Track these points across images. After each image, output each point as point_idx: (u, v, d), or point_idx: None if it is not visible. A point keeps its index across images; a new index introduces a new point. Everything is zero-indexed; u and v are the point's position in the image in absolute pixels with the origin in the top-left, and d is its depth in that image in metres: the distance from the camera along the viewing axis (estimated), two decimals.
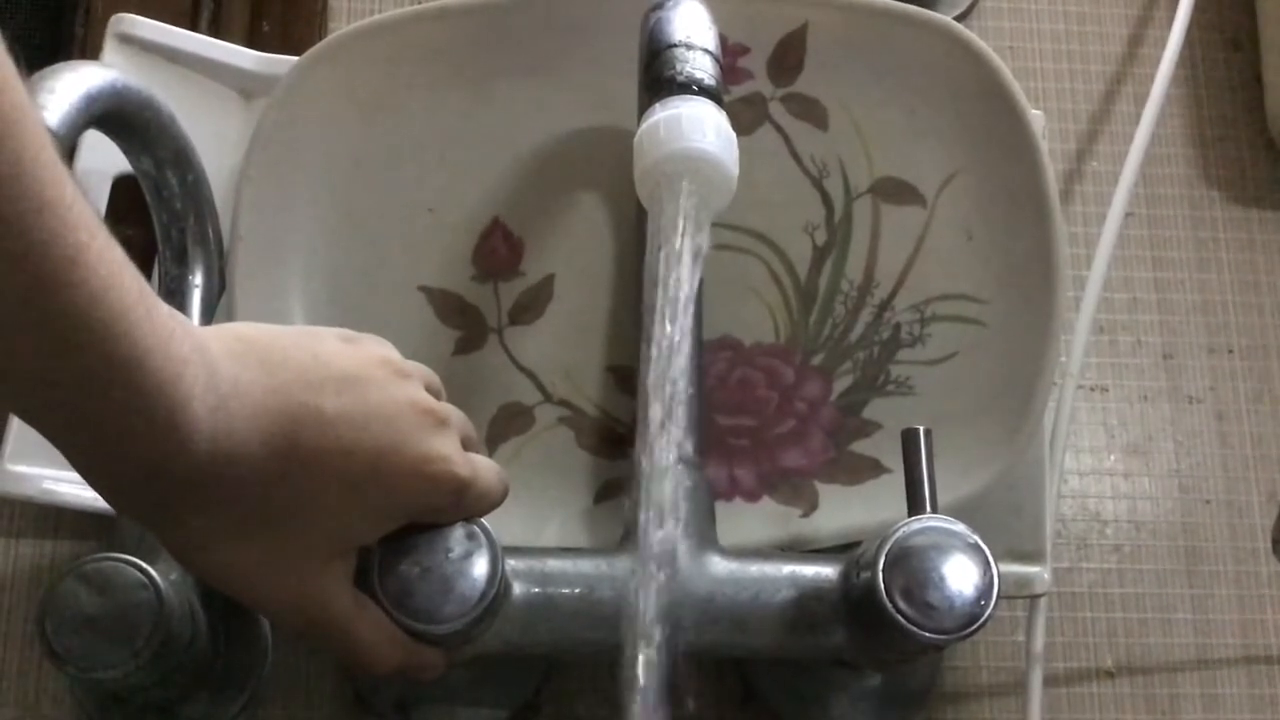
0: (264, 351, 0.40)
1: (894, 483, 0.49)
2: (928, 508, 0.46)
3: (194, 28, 0.60)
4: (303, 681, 0.53)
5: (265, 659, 0.53)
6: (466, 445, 0.44)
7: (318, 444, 0.40)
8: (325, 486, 0.40)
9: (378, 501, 0.42)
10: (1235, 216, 0.64)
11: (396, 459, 0.41)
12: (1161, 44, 0.61)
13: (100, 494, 0.40)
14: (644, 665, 0.41)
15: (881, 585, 0.43)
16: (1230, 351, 0.62)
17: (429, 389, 0.43)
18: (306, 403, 0.39)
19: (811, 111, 0.56)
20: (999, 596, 0.44)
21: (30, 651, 0.53)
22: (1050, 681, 0.55)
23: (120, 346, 0.34)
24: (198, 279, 0.54)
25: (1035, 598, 0.53)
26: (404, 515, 0.42)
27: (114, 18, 0.57)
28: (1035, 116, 0.54)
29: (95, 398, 0.34)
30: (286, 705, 0.53)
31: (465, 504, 0.43)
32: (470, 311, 0.56)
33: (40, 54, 0.61)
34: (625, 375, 0.55)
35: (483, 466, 0.44)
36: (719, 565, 0.48)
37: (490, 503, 0.44)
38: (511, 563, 0.46)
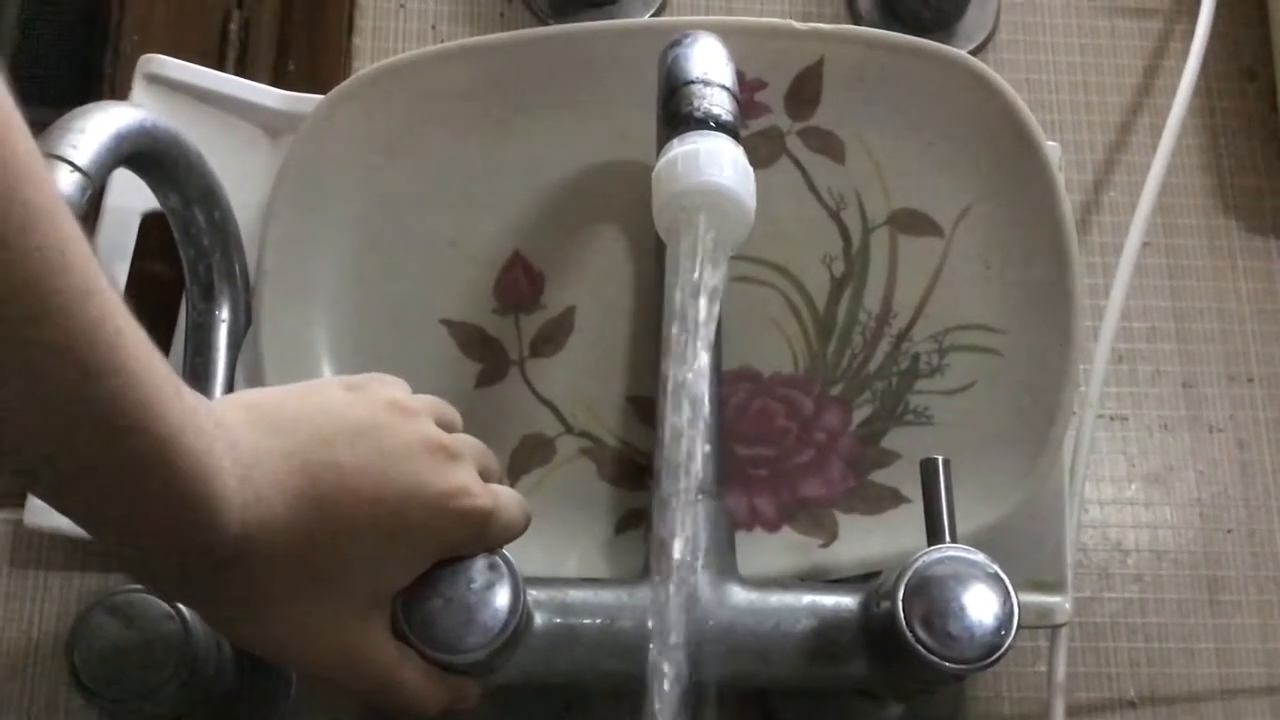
0: (274, 416, 0.40)
1: (914, 512, 0.49)
2: (947, 537, 0.46)
3: (221, 67, 0.61)
4: (327, 712, 0.54)
5: (289, 689, 0.53)
6: (487, 476, 0.44)
7: (340, 499, 0.40)
8: (354, 540, 0.40)
9: (407, 546, 0.42)
10: (1253, 245, 0.64)
11: (419, 500, 0.41)
12: (1177, 74, 0.61)
13: (141, 580, 0.40)
14: (665, 696, 0.41)
15: (901, 615, 0.43)
16: (1250, 380, 0.62)
17: (441, 422, 0.44)
18: (324, 460, 0.40)
19: (828, 145, 0.57)
20: (1020, 627, 0.44)
21: (59, 682, 0.53)
22: (1073, 712, 0.55)
23: (160, 426, 0.34)
24: (224, 314, 0.55)
25: (1056, 628, 0.53)
26: (434, 555, 0.43)
27: (143, 58, 0.58)
28: (1051, 148, 0.54)
29: (136, 479, 0.35)
30: None
31: (490, 535, 0.43)
32: (492, 344, 0.56)
33: (70, 94, 0.62)
34: (646, 406, 0.56)
35: (505, 496, 0.44)
36: (739, 595, 0.48)
37: (514, 533, 0.44)
38: (533, 593, 0.46)
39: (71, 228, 0.32)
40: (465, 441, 0.44)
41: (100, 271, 0.32)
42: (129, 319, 0.33)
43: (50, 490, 0.36)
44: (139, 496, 0.35)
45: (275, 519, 0.39)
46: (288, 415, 0.40)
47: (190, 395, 0.36)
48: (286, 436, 0.40)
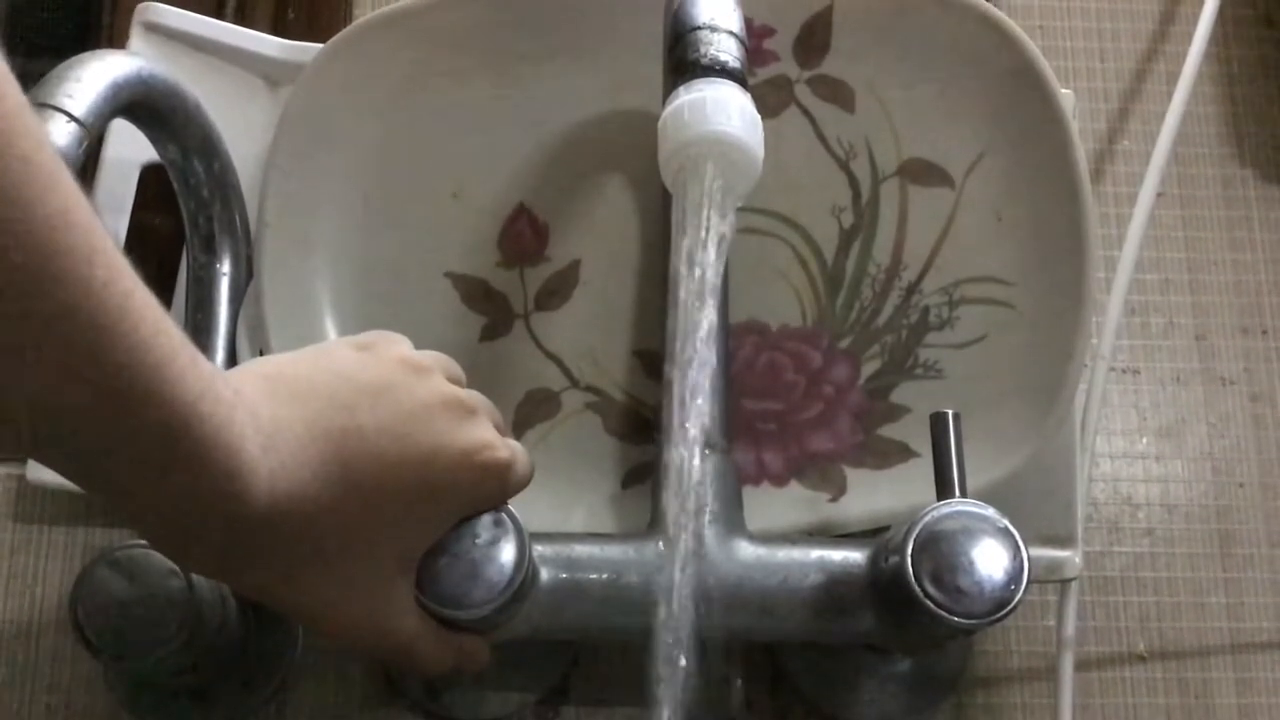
0: (290, 384, 0.39)
1: (923, 467, 0.49)
2: (957, 492, 0.46)
3: (220, 16, 0.61)
4: (333, 666, 0.54)
5: (295, 644, 0.53)
6: (496, 430, 0.44)
7: (366, 463, 0.39)
8: (382, 504, 0.40)
9: (433, 506, 0.42)
10: (1269, 195, 0.63)
11: (444, 458, 0.41)
12: (1193, 21, 0.60)
13: (171, 556, 0.40)
14: (672, 651, 0.41)
15: (910, 570, 0.43)
16: (1264, 332, 0.61)
17: (449, 377, 0.43)
18: (346, 426, 0.39)
19: (838, 93, 0.56)
20: (1030, 581, 0.43)
21: (63, 637, 0.53)
22: (1082, 666, 0.55)
23: (176, 391, 0.33)
24: (225, 267, 0.54)
25: (1066, 582, 0.53)
26: (459, 512, 0.43)
27: (140, 6, 0.57)
28: (1065, 96, 0.53)
29: (156, 452, 0.34)
30: (317, 690, 0.53)
31: (510, 488, 0.43)
32: (496, 297, 0.56)
33: (67, 43, 0.61)
34: (652, 360, 0.55)
35: (515, 446, 0.44)
36: (747, 550, 0.48)
37: (525, 485, 0.44)
38: (539, 548, 0.46)
39: (72, 186, 0.31)
40: (477, 395, 0.44)
41: (105, 233, 0.31)
42: (137, 281, 0.32)
43: (70, 466, 0.35)
44: (160, 470, 0.35)
45: (304, 489, 0.38)
46: (304, 383, 0.40)
47: (206, 364, 0.35)
48: (306, 404, 0.39)
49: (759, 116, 0.45)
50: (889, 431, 0.54)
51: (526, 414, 0.55)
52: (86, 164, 0.48)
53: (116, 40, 0.60)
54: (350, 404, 0.40)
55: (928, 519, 0.44)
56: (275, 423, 0.37)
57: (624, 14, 0.54)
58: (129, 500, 0.36)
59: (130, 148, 0.55)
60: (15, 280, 0.29)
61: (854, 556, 0.47)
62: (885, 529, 0.48)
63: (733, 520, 0.49)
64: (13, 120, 0.29)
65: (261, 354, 0.53)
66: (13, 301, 0.30)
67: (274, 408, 0.38)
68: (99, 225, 0.31)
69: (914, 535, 0.44)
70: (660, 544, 0.46)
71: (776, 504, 0.53)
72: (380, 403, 0.40)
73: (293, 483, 0.38)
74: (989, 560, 0.43)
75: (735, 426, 0.53)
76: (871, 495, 0.53)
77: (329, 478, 0.39)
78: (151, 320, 0.33)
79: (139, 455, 0.34)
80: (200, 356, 0.35)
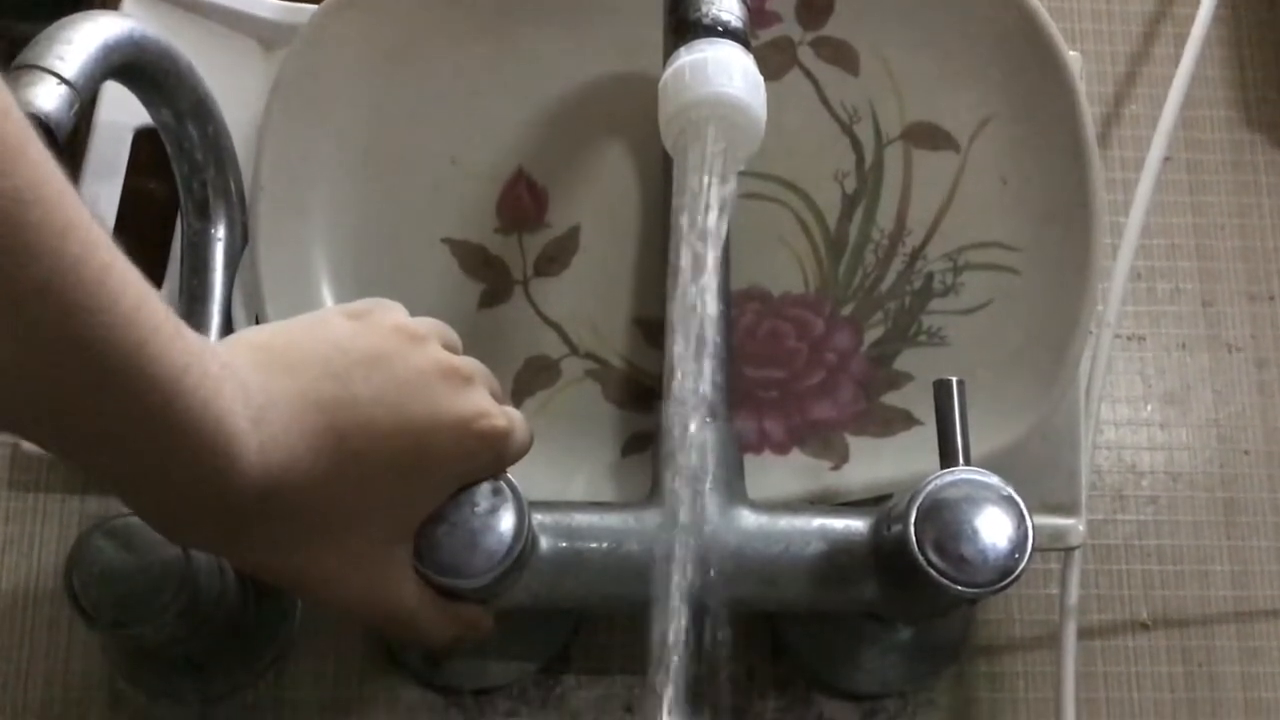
0: (283, 354, 0.39)
1: (926, 435, 0.48)
2: (960, 460, 0.45)
3: None
4: (333, 635, 0.53)
5: (294, 614, 0.53)
6: (493, 397, 0.43)
7: (361, 434, 0.39)
8: (378, 474, 0.40)
9: (430, 476, 0.41)
10: (1277, 160, 0.62)
11: (439, 428, 0.41)
12: None
13: (166, 533, 0.39)
14: (673, 619, 0.41)
15: (913, 538, 0.43)
16: (1271, 298, 0.60)
17: (445, 345, 0.43)
18: (339, 396, 0.39)
19: (842, 56, 0.55)
20: (1033, 549, 0.43)
21: (59, 605, 0.53)
22: (1085, 634, 0.54)
23: (160, 367, 0.33)
24: (220, 232, 0.54)
25: (1070, 550, 0.53)
26: (455, 482, 0.42)
27: None
28: (1072, 58, 0.53)
29: (143, 424, 0.33)
30: (317, 660, 0.53)
31: (507, 456, 0.43)
32: (495, 264, 0.55)
33: (59, 4, 0.61)
34: (652, 327, 0.54)
35: (513, 414, 0.44)
36: (748, 519, 0.47)
37: (524, 452, 0.44)
38: (538, 517, 0.46)
39: (43, 156, 0.30)
40: (473, 363, 0.43)
41: (81, 206, 0.31)
42: (116, 254, 0.32)
43: (56, 444, 0.34)
44: (147, 446, 0.34)
45: (297, 461, 0.38)
46: (296, 353, 0.39)
47: (194, 337, 0.34)
48: (298, 375, 0.39)
49: (761, 78, 0.44)
50: (892, 399, 0.54)
51: (525, 382, 0.54)
52: (78, 127, 0.48)
53: (108, 2, 0.59)
54: (344, 374, 0.39)
55: (931, 487, 0.44)
56: (267, 394, 0.37)
57: None
58: (118, 476, 0.36)
59: (123, 111, 0.54)
60: None
61: (856, 525, 0.47)
62: (888, 497, 0.48)
63: (734, 489, 0.48)
64: None
65: (257, 320, 0.52)
66: None
67: (265, 379, 0.37)
68: (74, 197, 0.31)
69: (917, 503, 0.43)
70: (661, 513, 0.45)
71: (778, 472, 0.53)
72: (375, 372, 0.40)
73: (285, 455, 0.37)
74: (993, 528, 0.43)
75: (737, 394, 0.53)
76: (874, 463, 0.52)
77: (322, 449, 0.38)
78: (133, 295, 0.32)
79: (125, 432, 0.34)
80: (186, 329, 0.34)
